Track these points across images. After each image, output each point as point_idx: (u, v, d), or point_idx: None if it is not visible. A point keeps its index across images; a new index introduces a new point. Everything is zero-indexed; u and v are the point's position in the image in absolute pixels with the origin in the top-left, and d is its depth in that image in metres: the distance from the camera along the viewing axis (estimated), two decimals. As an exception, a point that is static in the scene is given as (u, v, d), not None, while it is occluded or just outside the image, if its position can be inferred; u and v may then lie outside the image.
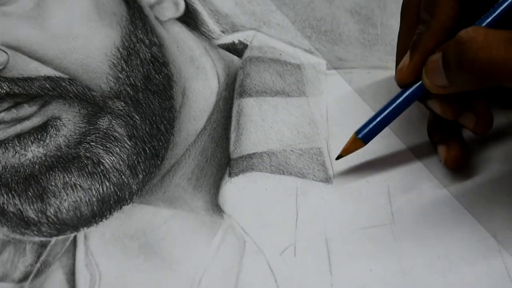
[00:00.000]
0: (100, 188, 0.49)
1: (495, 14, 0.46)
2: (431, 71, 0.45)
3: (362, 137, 0.49)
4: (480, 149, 0.51)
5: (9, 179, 0.50)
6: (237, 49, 0.57)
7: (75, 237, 0.48)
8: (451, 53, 0.43)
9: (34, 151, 0.50)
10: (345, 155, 0.49)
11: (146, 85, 0.54)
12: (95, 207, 0.49)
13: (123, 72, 0.54)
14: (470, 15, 0.47)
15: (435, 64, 0.45)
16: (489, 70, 0.42)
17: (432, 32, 0.46)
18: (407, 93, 0.48)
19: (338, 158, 0.49)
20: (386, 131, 0.52)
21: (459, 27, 0.45)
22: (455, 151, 0.49)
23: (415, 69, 0.47)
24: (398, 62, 0.50)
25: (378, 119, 0.49)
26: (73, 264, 0.47)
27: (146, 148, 0.51)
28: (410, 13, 0.49)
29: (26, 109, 0.52)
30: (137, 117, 0.52)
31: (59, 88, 0.52)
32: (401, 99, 0.48)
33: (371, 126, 0.49)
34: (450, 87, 0.45)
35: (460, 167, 0.50)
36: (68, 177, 0.49)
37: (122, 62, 0.54)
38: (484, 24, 0.46)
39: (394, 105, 0.48)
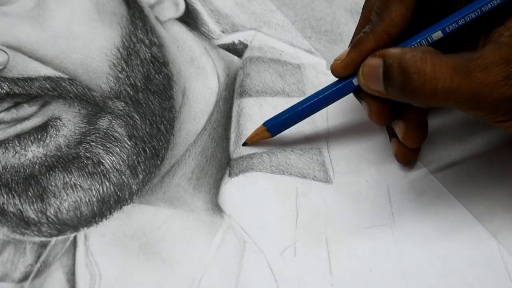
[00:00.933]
0: (100, 188, 0.49)
1: (435, 31, 0.46)
2: (368, 75, 0.45)
3: (269, 129, 0.51)
4: (480, 149, 0.51)
5: (9, 179, 0.50)
6: (237, 49, 0.57)
7: (75, 237, 0.48)
8: (395, 74, 0.43)
9: (34, 151, 0.50)
10: (250, 143, 0.51)
11: (146, 85, 0.54)
12: (95, 207, 0.49)
13: (123, 72, 0.54)
14: (423, 22, 0.47)
15: (374, 70, 0.45)
16: (433, 99, 0.42)
17: (374, 35, 0.46)
18: (328, 91, 0.49)
19: (244, 145, 0.51)
20: (386, 131, 0.52)
21: (408, 33, 0.46)
22: (404, 147, 0.49)
23: (348, 65, 0.47)
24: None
25: (288, 114, 0.50)
26: (73, 264, 0.47)
27: (146, 148, 0.51)
28: (367, 11, 0.50)
29: (26, 109, 0.52)
30: (137, 117, 0.52)
31: (59, 88, 0.52)
32: (316, 97, 0.49)
33: (280, 119, 0.50)
34: (385, 95, 0.45)
35: (408, 163, 0.50)
36: (68, 177, 0.49)
37: (122, 62, 0.54)
38: (424, 40, 0.46)
39: (308, 103, 0.49)
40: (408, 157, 0.50)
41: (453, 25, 0.45)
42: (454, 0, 0.47)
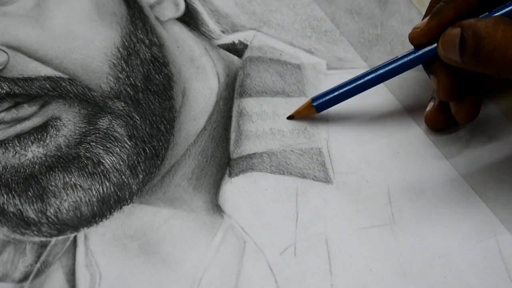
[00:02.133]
0: (100, 188, 0.49)
1: None
2: (447, 44, 0.46)
3: (316, 106, 0.51)
4: (480, 149, 0.51)
5: (9, 179, 0.50)
6: (237, 49, 0.57)
7: (75, 237, 0.48)
8: (469, 41, 0.44)
9: (34, 151, 0.50)
10: (297, 117, 0.52)
11: (146, 85, 0.54)
12: (95, 207, 0.49)
13: (123, 72, 0.54)
14: None
15: (452, 39, 0.46)
16: (503, 67, 0.43)
17: (455, 4, 0.47)
18: (376, 72, 0.50)
19: (289, 118, 0.52)
20: (387, 131, 0.52)
21: (484, 5, 0.47)
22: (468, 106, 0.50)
23: (428, 34, 0.48)
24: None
25: (338, 92, 0.51)
26: (73, 264, 0.47)
27: (146, 148, 0.51)
28: None
29: (26, 109, 0.52)
30: (137, 117, 0.52)
31: (59, 88, 0.52)
32: (365, 77, 0.50)
33: (328, 97, 0.51)
34: (461, 64, 0.46)
35: (471, 120, 0.51)
36: (68, 177, 0.49)
37: (122, 62, 0.54)
38: (505, 12, 0.47)
39: (357, 82, 0.50)
40: (470, 114, 0.50)
41: None
42: None
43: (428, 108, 0.52)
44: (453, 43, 0.46)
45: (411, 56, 0.49)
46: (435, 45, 0.48)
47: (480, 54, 0.44)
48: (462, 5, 0.47)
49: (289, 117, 0.53)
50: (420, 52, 0.49)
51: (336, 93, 0.51)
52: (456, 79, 0.49)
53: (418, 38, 0.49)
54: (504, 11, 0.47)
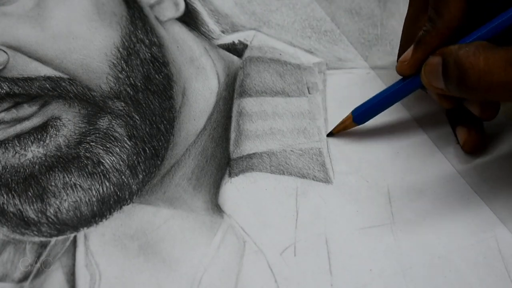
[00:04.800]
0: (100, 188, 0.49)
1: (495, 25, 0.46)
2: (430, 73, 0.46)
3: (355, 118, 0.51)
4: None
5: (9, 179, 0.50)
6: (237, 49, 0.57)
7: (75, 237, 0.48)
8: (452, 70, 0.44)
9: (34, 151, 0.50)
10: (335, 133, 0.52)
11: (146, 85, 0.54)
12: (95, 207, 0.49)
13: (123, 72, 0.54)
14: (477, 14, 0.47)
15: (434, 68, 0.46)
16: (489, 94, 0.43)
17: (437, 32, 0.47)
18: (406, 82, 0.49)
19: (329, 135, 0.52)
20: (387, 131, 0.52)
21: (465, 27, 0.46)
22: (474, 135, 0.50)
23: (416, 65, 0.48)
24: (401, 49, 0.51)
25: (375, 101, 0.51)
26: (73, 264, 0.47)
27: (146, 148, 0.51)
28: (417, 1, 0.50)
29: (26, 109, 0.52)
30: (137, 117, 0.52)
31: (59, 88, 0.52)
32: (399, 86, 0.50)
33: (367, 107, 0.51)
34: (447, 92, 0.46)
35: (477, 152, 0.51)
36: (68, 177, 0.49)
37: (122, 62, 0.54)
38: (484, 33, 0.46)
39: (392, 90, 0.50)
40: (476, 144, 0.50)
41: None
42: None
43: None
44: (436, 72, 0.45)
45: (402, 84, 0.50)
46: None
47: (465, 84, 0.43)
48: (443, 31, 0.47)
49: (329, 135, 0.52)
50: (407, 81, 0.49)
51: (375, 102, 0.51)
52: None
53: (406, 72, 0.49)
54: (482, 33, 0.46)
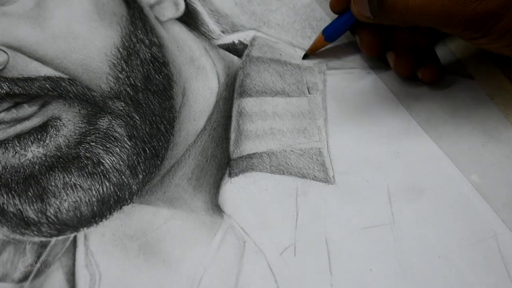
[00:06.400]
0: (100, 188, 0.49)
1: None
2: (358, 2, 0.50)
3: (326, 36, 0.55)
4: (480, 148, 0.51)
5: (9, 179, 0.50)
6: (237, 49, 0.57)
7: (75, 237, 0.48)
8: None
9: (34, 151, 0.50)
10: (310, 54, 0.56)
11: (146, 85, 0.54)
12: (95, 207, 0.49)
13: (123, 72, 0.54)
14: None
15: None
16: (407, 15, 0.46)
17: None
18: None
19: (304, 57, 0.56)
20: (386, 131, 0.52)
21: None
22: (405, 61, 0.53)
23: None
24: None
25: (341, 21, 0.55)
26: (73, 264, 0.47)
27: (146, 148, 0.51)
28: None
29: (26, 109, 0.52)
30: (137, 117, 0.52)
31: (59, 88, 0.52)
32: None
33: (336, 24, 0.55)
34: (373, 20, 0.49)
35: (434, 82, 0.54)
36: (68, 177, 0.49)
37: (122, 62, 0.54)
38: None
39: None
40: (430, 76, 0.53)
41: None
42: None
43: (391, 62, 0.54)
44: (363, 1, 0.48)
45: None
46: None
47: (384, 7, 0.47)
48: None
49: (304, 57, 0.56)
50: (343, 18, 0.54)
51: (341, 21, 0.54)
52: (376, 35, 0.53)
53: (337, 6, 0.53)
54: None
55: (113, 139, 0.51)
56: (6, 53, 0.53)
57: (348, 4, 0.52)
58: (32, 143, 0.51)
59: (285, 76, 0.55)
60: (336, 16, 0.55)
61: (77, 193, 0.49)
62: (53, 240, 0.48)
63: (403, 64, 0.53)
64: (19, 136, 0.51)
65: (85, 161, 0.50)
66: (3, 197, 0.49)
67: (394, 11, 0.47)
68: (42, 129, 0.51)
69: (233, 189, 0.50)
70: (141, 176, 0.50)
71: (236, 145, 0.52)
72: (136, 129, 0.52)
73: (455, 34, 0.48)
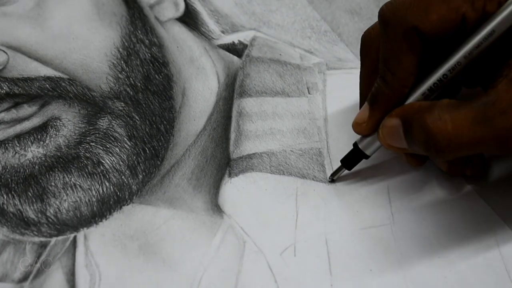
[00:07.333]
0: (100, 189, 0.49)
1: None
2: (389, 136, 0.45)
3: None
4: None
5: (9, 180, 0.50)
6: (237, 49, 0.57)
7: (75, 237, 0.48)
8: (417, 133, 0.42)
9: (34, 152, 0.50)
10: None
11: (146, 85, 0.54)
12: (95, 208, 0.49)
13: (123, 73, 0.54)
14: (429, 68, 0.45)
15: (394, 131, 0.44)
16: (459, 153, 0.42)
17: (392, 91, 0.45)
18: None
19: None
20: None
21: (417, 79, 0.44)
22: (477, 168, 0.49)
23: (374, 125, 0.46)
24: (361, 104, 0.49)
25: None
26: (73, 265, 0.47)
27: (146, 149, 0.51)
28: (370, 59, 0.48)
29: (26, 110, 0.52)
30: (137, 118, 0.52)
31: (59, 89, 0.52)
32: None
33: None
34: (410, 151, 0.44)
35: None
36: (68, 178, 0.49)
37: (122, 62, 0.54)
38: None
39: None
40: (459, 169, 0.49)
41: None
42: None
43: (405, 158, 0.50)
44: (397, 134, 0.44)
45: None
46: None
47: (434, 147, 0.41)
48: (399, 90, 0.45)
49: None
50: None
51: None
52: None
53: (364, 133, 0.47)
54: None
55: (113, 139, 0.51)
56: (6, 53, 0.53)
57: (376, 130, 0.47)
58: (32, 143, 0.51)
59: (285, 76, 0.55)
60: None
61: (77, 193, 0.49)
62: (53, 240, 0.48)
63: (458, 166, 0.49)
64: (19, 136, 0.51)
65: (85, 161, 0.50)
66: (3, 197, 0.49)
67: (446, 152, 0.41)
68: (42, 129, 0.51)
69: (233, 189, 0.50)
70: (141, 176, 0.50)
71: (236, 145, 0.52)
72: (136, 129, 0.52)
73: (506, 155, 0.45)
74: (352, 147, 0.48)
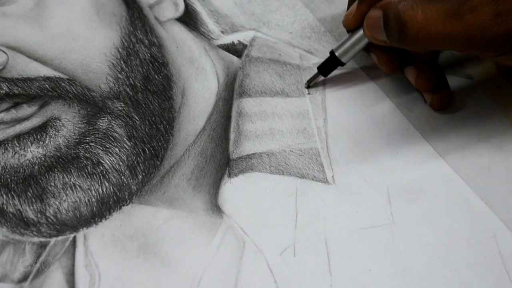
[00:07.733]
0: (100, 189, 0.49)
1: None
2: (371, 26, 0.48)
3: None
4: (479, 149, 0.51)
5: (9, 180, 0.50)
6: (236, 50, 0.57)
7: (74, 237, 0.48)
8: (392, 24, 0.46)
9: (33, 152, 0.50)
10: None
11: (145, 85, 0.54)
12: (94, 208, 0.49)
13: (123, 73, 0.54)
14: None
15: (376, 21, 0.48)
16: (429, 44, 0.45)
17: None
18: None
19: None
20: (385, 131, 0.52)
21: None
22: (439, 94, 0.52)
23: (360, 18, 0.50)
24: (349, 4, 0.53)
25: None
26: (73, 265, 0.47)
27: (146, 149, 0.51)
28: None
29: (26, 110, 0.52)
30: (136, 118, 0.52)
31: (59, 89, 0.52)
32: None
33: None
34: (390, 44, 0.48)
35: (445, 109, 0.53)
36: (68, 178, 0.49)
37: (122, 62, 0.54)
38: None
39: None
40: (442, 103, 0.53)
41: None
42: None
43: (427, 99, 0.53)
44: (378, 25, 0.47)
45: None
46: None
47: (405, 36, 0.45)
48: None
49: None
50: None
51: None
52: (393, 51, 0.51)
53: (350, 25, 0.51)
54: None
55: (112, 139, 0.51)
56: (6, 53, 0.53)
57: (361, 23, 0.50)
58: (31, 143, 0.51)
59: (284, 76, 0.55)
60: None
61: (76, 193, 0.49)
62: (53, 240, 0.48)
63: (425, 79, 0.52)
64: (18, 137, 0.51)
65: (85, 162, 0.50)
66: (3, 197, 0.49)
67: (416, 41, 0.45)
68: (41, 130, 0.51)
69: (233, 189, 0.50)
70: (140, 176, 0.50)
71: (235, 145, 0.52)
72: (135, 130, 0.52)
73: (473, 54, 0.48)
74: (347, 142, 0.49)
